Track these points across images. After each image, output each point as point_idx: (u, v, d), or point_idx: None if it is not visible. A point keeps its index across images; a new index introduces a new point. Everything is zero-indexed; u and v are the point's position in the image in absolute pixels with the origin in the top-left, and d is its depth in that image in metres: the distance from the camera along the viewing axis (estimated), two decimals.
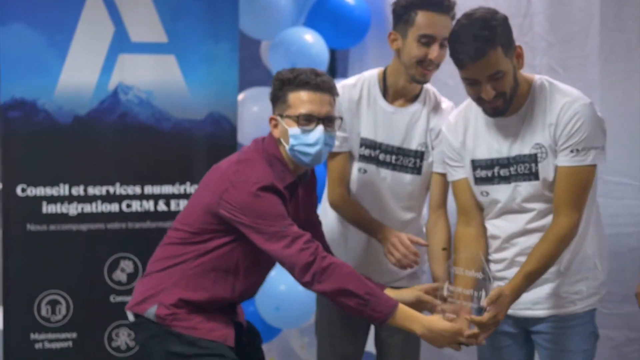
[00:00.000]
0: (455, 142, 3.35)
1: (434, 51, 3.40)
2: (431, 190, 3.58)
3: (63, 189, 4.18)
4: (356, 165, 3.58)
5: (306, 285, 3.08)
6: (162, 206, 4.29)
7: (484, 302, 3.08)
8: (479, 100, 3.16)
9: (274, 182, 3.12)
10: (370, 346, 3.90)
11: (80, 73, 4.16)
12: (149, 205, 4.27)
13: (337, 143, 3.48)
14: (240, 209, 3.08)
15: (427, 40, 3.40)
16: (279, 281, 4.58)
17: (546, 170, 3.19)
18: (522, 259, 3.21)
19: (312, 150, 3.18)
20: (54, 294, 4.19)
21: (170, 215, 4.21)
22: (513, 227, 3.27)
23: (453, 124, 3.38)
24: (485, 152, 3.28)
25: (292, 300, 4.52)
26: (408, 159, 3.55)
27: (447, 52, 3.29)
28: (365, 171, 3.56)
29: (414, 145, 3.54)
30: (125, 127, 4.22)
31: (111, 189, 4.24)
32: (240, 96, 4.57)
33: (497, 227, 3.32)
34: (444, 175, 3.51)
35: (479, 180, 3.30)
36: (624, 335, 4.18)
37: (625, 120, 4.17)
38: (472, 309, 3.16)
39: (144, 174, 4.28)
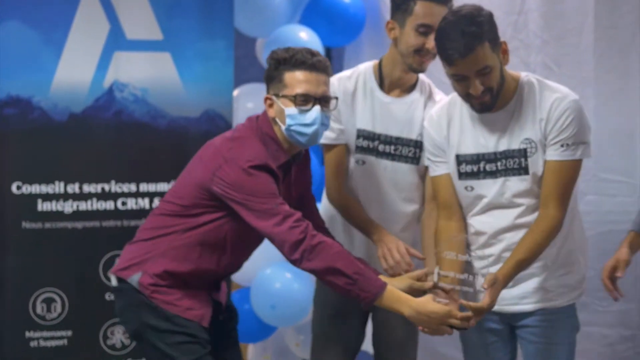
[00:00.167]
0: (437, 137, 3.38)
1: (431, 40, 3.40)
2: (427, 182, 3.59)
3: (58, 187, 4.18)
4: (353, 157, 3.58)
5: (295, 262, 3.09)
6: (157, 204, 4.28)
7: (484, 284, 3.10)
8: (466, 96, 3.20)
9: (267, 161, 3.13)
10: (367, 346, 3.90)
11: (75, 70, 4.15)
12: (144, 202, 4.27)
13: (333, 135, 3.50)
14: (232, 185, 3.10)
15: (425, 30, 3.42)
16: (275, 279, 4.58)
17: (536, 164, 3.24)
18: (509, 254, 3.24)
19: (309, 130, 3.19)
20: (49, 292, 4.19)
21: None
22: (500, 222, 3.30)
23: (436, 118, 3.41)
24: (471, 147, 3.31)
25: (288, 299, 4.52)
26: (408, 149, 3.56)
27: None
28: (363, 162, 3.57)
29: (413, 134, 3.55)
30: (120, 124, 4.21)
31: (106, 187, 4.24)
32: (235, 92, 4.58)
33: (483, 223, 3.34)
34: None
35: (463, 175, 3.33)
36: (618, 333, 4.20)
37: (619, 117, 4.19)
38: (463, 292, 3.19)
39: (139, 172, 4.28)
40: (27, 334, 4.19)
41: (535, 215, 3.26)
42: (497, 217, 3.31)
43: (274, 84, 3.21)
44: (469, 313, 3.08)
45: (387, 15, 4.31)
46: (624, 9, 4.12)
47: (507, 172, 3.27)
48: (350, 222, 3.56)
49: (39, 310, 4.18)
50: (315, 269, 3.08)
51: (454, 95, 3.37)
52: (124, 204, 4.26)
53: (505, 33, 4.26)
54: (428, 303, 3.07)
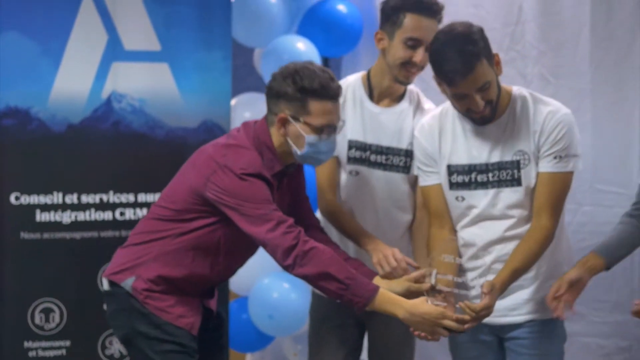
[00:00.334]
0: (429, 147, 3.40)
1: (419, 54, 3.43)
2: (417, 190, 3.60)
3: (57, 197, 4.19)
4: (346, 169, 3.59)
5: (288, 268, 3.11)
6: None
7: (483, 289, 3.12)
8: (467, 111, 3.21)
9: (261, 170, 3.15)
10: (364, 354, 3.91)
11: (73, 81, 4.16)
12: (142, 213, 4.27)
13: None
14: (226, 191, 3.12)
15: (413, 43, 3.44)
16: (272, 289, 4.59)
17: (528, 176, 3.28)
18: (499, 266, 3.28)
19: (326, 157, 3.28)
20: (47, 302, 4.19)
21: None
22: (490, 234, 3.33)
23: (427, 128, 3.43)
24: (462, 158, 3.34)
25: (285, 309, 4.54)
26: (399, 158, 3.57)
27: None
28: (357, 173, 3.58)
29: (403, 144, 3.57)
30: (118, 135, 4.22)
31: (105, 197, 4.24)
32: (233, 101, 4.59)
33: (473, 234, 3.37)
34: None
35: (454, 185, 3.36)
36: (615, 343, 4.21)
37: (615, 128, 4.20)
38: (459, 295, 3.21)
39: (137, 182, 4.28)
40: (26, 344, 4.19)
41: (524, 227, 3.30)
42: (487, 229, 3.34)
43: (294, 106, 3.18)
44: (465, 315, 3.10)
45: (379, 16, 4.36)
46: (619, 21, 4.14)
47: (499, 183, 3.30)
48: (344, 234, 3.56)
49: (37, 320, 4.19)
50: (308, 274, 3.10)
51: (446, 106, 3.40)
52: (122, 214, 4.27)
53: (502, 44, 4.30)
54: (421, 304, 3.09)
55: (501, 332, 3.38)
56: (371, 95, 3.59)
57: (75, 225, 4.21)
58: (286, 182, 3.35)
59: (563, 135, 3.25)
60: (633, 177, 4.14)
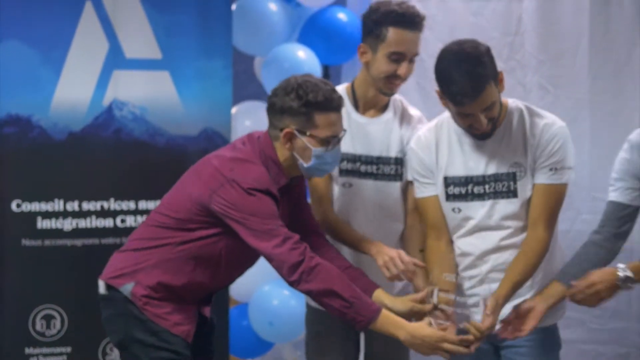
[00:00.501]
0: (426, 159, 3.41)
1: (403, 68, 3.44)
2: (408, 195, 3.61)
3: (58, 205, 4.20)
4: (338, 181, 3.59)
5: (293, 284, 3.13)
6: None
7: (487, 310, 3.14)
8: (469, 127, 3.23)
9: (269, 186, 3.16)
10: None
11: (75, 89, 4.18)
12: (143, 220, 4.25)
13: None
14: (234, 205, 3.12)
15: (397, 57, 3.44)
16: (273, 296, 4.61)
17: (524, 188, 3.30)
18: (495, 275, 3.31)
19: (330, 167, 3.32)
20: (48, 309, 4.21)
21: None
22: (487, 244, 3.35)
23: (424, 140, 3.44)
24: (459, 170, 3.36)
25: (285, 315, 4.55)
26: (389, 167, 3.58)
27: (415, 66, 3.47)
28: (350, 185, 3.59)
29: (392, 152, 3.58)
30: (119, 142, 4.24)
31: (106, 205, 4.26)
32: (233, 110, 4.60)
33: (469, 244, 3.39)
34: None
35: (451, 197, 3.38)
36: (613, 350, 4.23)
37: (614, 137, 4.21)
38: (457, 314, 3.24)
39: (138, 190, 4.29)
40: (27, 350, 4.20)
41: (519, 237, 3.32)
42: (483, 239, 3.36)
43: (299, 120, 3.18)
44: (469, 336, 3.12)
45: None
46: (617, 31, 4.16)
47: (496, 195, 3.32)
48: (345, 244, 3.56)
49: (38, 326, 4.21)
50: (313, 290, 3.12)
51: (442, 118, 3.42)
52: (123, 221, 4.29)
53: (501, 53, 4.32)
54: (422, 328, 3.12)
55: (497, 340, 3.39)
56: (356, 106, 3.60)
57: (76, 233, 4.23)
58: (290, 194, 3.37)
59: (559, 148, 3.27)
60: None
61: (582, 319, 4.30)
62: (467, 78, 3.12)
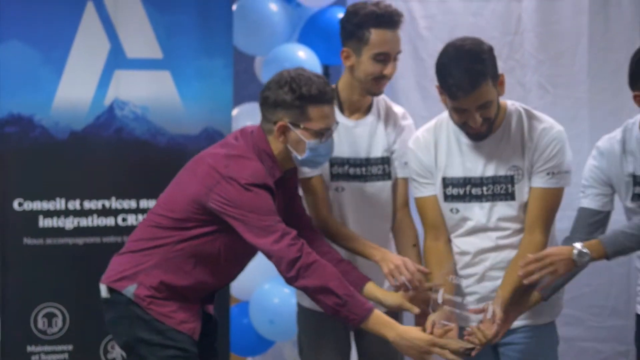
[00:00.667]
0: (425, 160, 3.42)
1: (389, 67, 3.45)
2: (396, 191, 3.62)
3: (59, 203, 4.23)
4: (331, 186, 3.59)
5: (290, 280, 3.15)
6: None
7: (497, 318, 3.15)
8: (463, 125, 3.25)
9: (265, 180, 3.17)
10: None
11: (76, 89, 4.20)
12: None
13: (307, 169, 3.51)
14: (231, 202, 3.13)
15: (383, 58, 3.44)
16: (273, 294, 4.63)
17: (521, 191, 3.32)
18: (493, 273, 3.34)
19: (324, 159, 3.33)
20: (50, 307, 4.23)
21: None
22: (484, 243, 3.37)
23: (422, 141, 3.45)
24: (458, 171, 3.37)
25: (286, 313, 4.56)
26: (377, 167, 3.59)
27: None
28: (343, 189, 3.59)
29: (379, 152, 3.58)
30: (120, 142, 4.26)
31: (107, 203, 4.28)
32: (235, 111, 4.61)
33: (467, 243, 3.40)
34: (406, 178, 3.58)
35: (449, 198, 3.39)
36: (612, 348, 4.25)
37: None
38: (458, 316, 3.25)
39: (139, 189, 4.31)
40: (29, 348, 4.23)
41: (517, 237, 3.34)
42: (481, 238, 3.37)
43: (293, 113, 3.20)
44: (466, 344, 3.13)
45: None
46: (617, 31, 4.18)
47: (494, 197, 3.33)
48: (347, 249, 3.55)
49: (40, 324, 4.23)
50: (309, 286, 3.14)
51: (440, 118, 3.43)
52: (124, 220, 4.31)
53: (501, 53, 4.33)
54: (413, 330, 3.15)
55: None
56: (341, 109, 3.59)
57: (78, 231, 4.25)
58: (285, 186, 3.38)
59: (557, 152, 3.29)
60: None
61: (581, 317, 4.32)
62: (464, 72, 3.14)
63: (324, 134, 3.23)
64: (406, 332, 3.14)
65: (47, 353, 4.25)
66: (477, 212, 3.36)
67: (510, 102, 3.38)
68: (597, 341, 4.35)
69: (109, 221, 4.29)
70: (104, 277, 3.34)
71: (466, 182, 3.36)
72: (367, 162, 3.58)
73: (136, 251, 3.31)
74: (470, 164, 3.35)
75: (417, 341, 3.11)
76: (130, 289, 3.24)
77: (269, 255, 3.17)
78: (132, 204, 4.31)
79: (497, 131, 3.33)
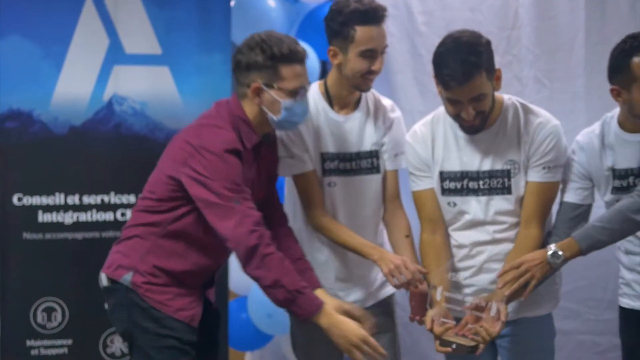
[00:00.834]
0: (423, 154, 3.45)
1: (377, 63, 3.47)
2: (386, 183, 3.64)
3: (59, 198, 4.24)
4: (324, 182, 3.60)
5: (245, 267, 3.17)
6: None
7: (502, 316, 3.16)
8: (457, 117, 3.28)
9: (235, 146, 3.19)
10: None
11: (75, 84, 4.22)
12: None
13: (301, 164, 3.54)
14: (200, 171, 3.16)
15: (370, 54, 3.46)
16: None
17: (518, 185, 3.35)
18: (491, 265, 3.37)
19: (300, 119, 3.35)
20: (49, 301, 4.25)
21: None
22: (481, 236, 3.41)
23: (420, 135, 3.48)
24: (455, 165, 3.40)
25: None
26: (366, 161, 3.61)
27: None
28: (335, 184, 3.60)
29: (367, 146, 3.61)
30: (119, 137, 4.28)
31: (106, 198, 4.30)
32: None
33: (464, 236, 3.44)
34: (396, 170, 3.62)
35: (447, 192, 3.42)
36: (609, 340, 4.25)
37: None
38: (455, 312, 3.28)
39: (138, 184, 4.20)
40: (28, 343, 4.24)
41: (514, 231, 3.37)
42: (479, 232, 3.41)
43: (266, 74, 3.24)
44: (472, 343, 3.16)
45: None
46: (613, 26, 4.18)
47: (490, 191, 3.36)
48: (343, 247, 3.57)
49: (39, 319, 4.24)
50: (261, 277, 3.16)
51: (437, 113, 3.45)
52: (123, 214, 4.32)
53: (498, 48, 4.33)
54: (348, 322, 3.17)
55: None
56: (331, 105, 3.61)
57: (77, 226, 4.26)
58: (263, 154, 3.40)
59: (553, 146, 3.32)
60: None
61: (578, 310, 4.34)
62: (460, 63, 3.17)
63: (298, 92, 3.25)
64: (342, 322, 3.17)
65: (46, 347, 4.26)
66: (474, 206, 3.38)
67: (506, 97, 3.40)
68: (594, 334, 4.36)
69: (108, 216, 4.30)
70: (104, 267, 3.38)
71: (463, 175, 3.38)
72: (357, 156, 3.60)
73: (131, 237, 3.34)
74: (467, 158, 3.38)
75: (349, 333, 3.15)
76: (127, 277, 3.27)
77: (227, 240, 3.17)
78: (131, 198, 4.32)
79: (494, 125, 3.35)
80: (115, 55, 4.26)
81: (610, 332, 4.31)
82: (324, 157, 3.59)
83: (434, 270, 3.37)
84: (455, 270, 3.43)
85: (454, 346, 3.20)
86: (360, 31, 3.44)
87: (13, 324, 4.23)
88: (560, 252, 3.19)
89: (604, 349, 4.35)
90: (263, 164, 3.40)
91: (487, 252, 3.40)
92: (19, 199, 4.19)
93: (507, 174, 3.35)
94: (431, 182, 3.45)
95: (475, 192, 3.38)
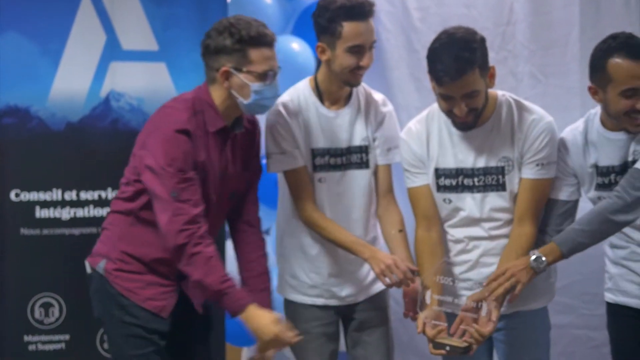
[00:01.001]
0: (418, 150, 3.46)
1: (366, 58, 3.48)
2: (379, 178, 3.66)
3: (56, 194, 4.25)
4: (314, 177, 3.62)
5: (175, 261, 3.21)
6: None
7: (493, 317, 3.21)
8: (449, 113, 3.29)
9: (186, 126, 3.21)
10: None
11: (72, 80, 4.22)
12: None
13: (293, 159, 3.56)
14: (151, 150, 3.21)
15: (357, 49, 3.46)
16: None
17: (512, 182, 3.37)
18: (487, 259, 3.40)
19: (270, 102, 3.35)
20: (47, 297, 4.25)
21: None
22: (477, 232, 3.43)
23: (415, 132, 3.48)
24: (450, 162, 3.41)
25: (281, 303, 4.57)
26: (357, 155, 3.62)
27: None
28: (325, 179, 3.62)
29: (357, 141, 3.62)
30: (116, 133, 4.27)
31: (103, 194, 4.30)
32: None
33: (460, 231, 3.45)
34: (389, 165, 3.64)
35: (442, 188, 3.43)
36: (604, 335, 4.24)
37: None
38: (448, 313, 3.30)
39: None
40: (26, 338, 4.24)
41: (509, 228, 3.39)
42: (474, 228, 3.43)
43: (235, 58, 3.25)
44: (464, 344, 3.20)
45: (378, 26, 4.38)
46: (608, 21, 4.21)
47: (485, 188, 3.38)
48: (333, 243, 3.58)
49: (37, 314, 4.24)
50: (188, 274, 3.20)
51: (432, 109, 3.46)
52: None
53: (493, 44, 4.37)
54: (265, 318, 3.22)
55: None
56: (321, 100, 3.62)
57: (74, 222, 4.27)
58: (240, 143, 3.41)
59: (546, 143, 3.34)
60: None
61: (573, 305, 4.36)
62: (453, 58, 3.17)
63: (267, 75, 3.25)
64: (260, 316, 3.21)
65: (44, 343, 4.26)
66: (469, 203, 3.40)
67: (500, 93, 3.41)
68: (589, 329, 4.39)
69: (105, 212, 4.24)
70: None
71: (458, 172, 3.40)
72: (348, 151, 3.61)
73: (107, 225, 3.41)
74: (462, 155, 3.39)
75: (265, 329, 3.21)
76: (101, 265, 3.33)
77: (161, 232, 3.21)
78: None
79: (488, 122, 3.36)
80: (113, 51, 4.27)
81: (605, 327, 4.34)
82: (315, 153, 3.60)
83: (428, 268, 3.38)
84: (450, 264, 3.44)
85: (447, 348, 3.23)
86: (347, 27, 3.44)
87: (10, 319, 4.23)
88: (543, 258, 3.23)
89: (599, 344, 4.37)
90: (237, 153, 3.40)
91: (482, 247, 3.42)
92: (17, 195, 4.20)
93: (501, 170, 3.37)
94: (426, 179, 3.46)
95: (470, 188, 3.39)
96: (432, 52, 3.27)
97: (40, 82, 4.20)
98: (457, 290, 3.41)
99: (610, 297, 3.51)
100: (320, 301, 3.67)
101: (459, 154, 3.39)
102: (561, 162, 3.39)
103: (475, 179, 3.38)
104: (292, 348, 3.80)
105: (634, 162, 3.23)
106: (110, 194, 4.29)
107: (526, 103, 3.43)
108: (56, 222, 4.25)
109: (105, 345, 4.31)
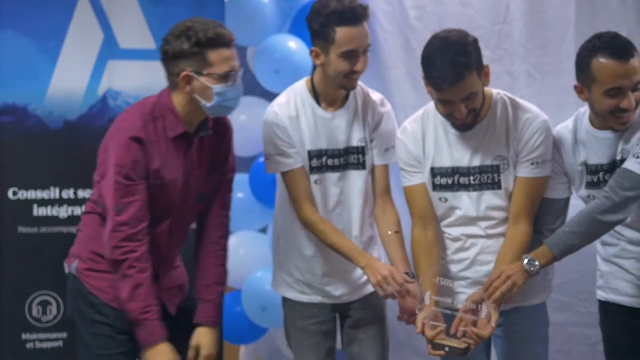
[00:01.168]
0: (414, 150, 3.45)
1: (360, 63, 3.44)
2: (376, 178, 3.65)
3: (53, 192, 4.27)
4: (311, 179, 3.60)
5: (112, 270, 3.21)
6: None
7: (492, 321, 3.21)
8: (449, 115, 3.29)
9: (138, 134, 3.19)
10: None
11: (70, 79, 4.25)
12: None
13: (290, 160, 3.54)
14: (106, 153, 3.22)
15: (351, 54, 3.42)
16: (265, 282, 4.63)
17: (507, 180, 3.37)
18: (484, 257, 3.40)
19: (234, 103, 3.27)
20: (44, 295, 4.27)
21: None
22: (474, 230, 3.42)
23: (410, 131, 3.48)
24: (445, 161, 3.40)
25: (278, 301, 4.57)
26: (354, 156, 3.61)
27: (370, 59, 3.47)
28: (322, 180, 3.61)
29: (354, 142, 3.60)
30: None
31: None
32: None
33: (457, 230, 3.45)
34: (386, 165, 3.63)
35: (438, 187, 3.43)
36: (600, 333, 4.28)
37: None
38: (449, 316, 3.30)
39: None
40: (23, 336, 4.27)
41: (505, 226, 3.39)
42: (471, 227, 3.42)
43: (194, 61, 3.19)
44: (463, 345, 3.19)
45: (375, 25, 4.38)
46: (603, 20, 4.22)
47: (481, 186, 3.38)
48: (330, 247, 3.57)
49: (34, 312, 4.26)
50: (119, 290, 3.20)
51: (427, 109, 3.46)
52: None
53: (489, 42, 4.38)
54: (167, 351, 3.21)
55: None
56: (318, 101, 3.60)
57: (72, 220, 4.27)
58: (207, 147, 3.37)
59: (541, 142, 3.33)
60: None
61: (569, 303, 4.37)
62: (449, 64, 3.16)
63: (229, 76, 3.21)
64: (161, 354, 3.21)
65: (41, 341, 4.29)
66: (465, 201, 3.40)
67: (495, 91, 3.41)
68: (585, 326, 4.39)
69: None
70: None
71: (454, 171, 3.40)
72: (345, 152, 3.60)
73: (81, 226, 3.41)
74: (458, 153, 3.39)
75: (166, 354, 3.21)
76: (74, 265, 3.34)
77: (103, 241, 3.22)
78: None
79: (483, 121, 3.36)
80: (110, 50, 4.29)
81: None
82: (312, 154, 3.59)
83: (425, 267, 3.39)
84: (447, 262, 3.45)
85: (446, 349, 3.23)
86: (340, 32, 3.40)
87: (8, 317, 4.25)
88: (536, 262, 3.25)
89: (595, 341, 4.35)
90: (204, 156, 3.37)
91: (479, 245, 3.42)
92: (14, 193, 4.21)
93: (496, 169, 3.36)
94: (422, 177, 3.46)
95: (466, 187, 3.39)
96: (426, 59, 3.26)
97: (38, 80, 4.22)
98: (455, 288, 3.42)
99: (601, 294, 3.52)
100: (316, 299, 3.67)
101: (455, 153, 3.39)
102: (552, 160, 3.40)
103: (471, 178, 3.38)
104: (290, 345, 3.81)
105: (622, 160, 3.24)
106: None
107: (521, 101, 3.43)
108: (54, 220, 4.27)
109: None
